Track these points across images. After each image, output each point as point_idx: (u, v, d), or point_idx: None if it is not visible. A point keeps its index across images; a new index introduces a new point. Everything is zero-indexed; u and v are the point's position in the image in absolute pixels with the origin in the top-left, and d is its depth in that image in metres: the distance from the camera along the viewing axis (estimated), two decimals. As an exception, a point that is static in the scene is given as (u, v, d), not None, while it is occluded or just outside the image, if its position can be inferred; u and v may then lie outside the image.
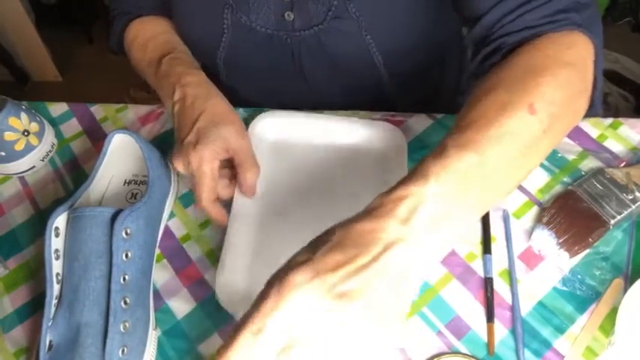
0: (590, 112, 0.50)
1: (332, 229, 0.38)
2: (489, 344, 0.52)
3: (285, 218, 0.60)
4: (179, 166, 0.57)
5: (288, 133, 0.67)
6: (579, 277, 0.56)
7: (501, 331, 0.53)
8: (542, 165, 0.63)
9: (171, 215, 0.63)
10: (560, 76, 0.46)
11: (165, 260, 0.60)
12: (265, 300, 0.35)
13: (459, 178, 0.39)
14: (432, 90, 0.81)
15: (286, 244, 0.42)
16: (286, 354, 0.35)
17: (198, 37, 0.70)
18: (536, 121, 0.43)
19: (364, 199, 0.41)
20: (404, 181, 0.39)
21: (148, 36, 0.70)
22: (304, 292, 0.35)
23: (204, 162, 0.56)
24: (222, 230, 0.61)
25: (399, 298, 0.37)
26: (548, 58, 0.47)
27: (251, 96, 0.78)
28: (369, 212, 0.38)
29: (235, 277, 0.55)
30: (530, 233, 0.58)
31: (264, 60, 0.69)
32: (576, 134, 0.65)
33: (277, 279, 0.36)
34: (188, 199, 0.64)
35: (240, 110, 0.71)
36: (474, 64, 0.54)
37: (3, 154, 0.65)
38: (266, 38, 0.66)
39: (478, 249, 0.58)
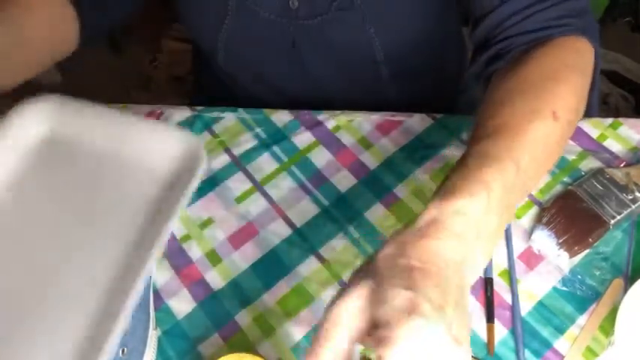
0: (588, 114, 0.52)
1: (403, 251, 0.35)
2: (489, 344, 0.52)
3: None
4: None
5: (62, 128, 0.52)
6: (579, 277, 0.56)
7: (501, 331, 0.53)
8: (542, 165, 0.63)
9: (171, 215, 0.63)
10: (574, 84, 0.48)
11: (165, 260, 0.60)
12: (393, 330, 0.32)
13: (504, 188, 0.40)
14: (432, 90, 0.81)
15: None
16: None
17: (200, 18, 0.69)
18: (559, 127, 0.46)
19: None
20: (458, 192, 0.38)
21: None
22: (430, 327, 0.32)
23: None
24: (223, 229, 0.61)
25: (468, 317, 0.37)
26: (564, 66, 0.49)
27: (249, 83, 0.78)
28: (429, 228, 0.37)
29: None
30: (530, 233, 0.58)
31: (264, 47, 0.69)
32: (576, 134, 0.65)
33: (399, 312, 0.33)
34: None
35: (241, 111, 0.71)
36: (477, 65, 0.55)
37: (3, 154, 0.64)
38: (268, 24, 0.66)
39: (478, 249, 0.58)
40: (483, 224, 0.38)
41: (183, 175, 0.48)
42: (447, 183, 0.40)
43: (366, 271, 0.36)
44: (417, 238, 0.36)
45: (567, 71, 0.48)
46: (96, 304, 0.43)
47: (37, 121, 0.51)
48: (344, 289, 0.36)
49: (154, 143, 0.50)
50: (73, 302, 0.44)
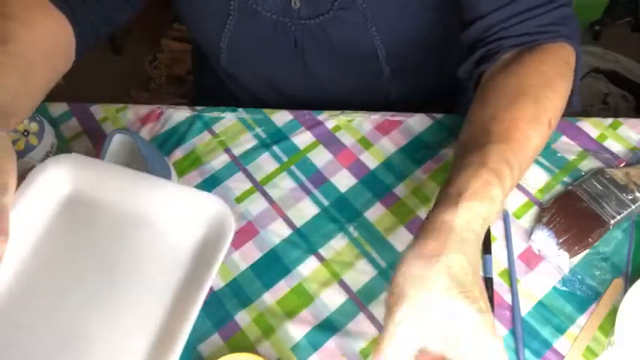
0: (568, 110, 0.56)
1: (444, 264, 0.40)
2: (489, 344, 0.52)
3: (36, 310, 0.47)
4: None
5: (87, 189, 0.52)
6: (579, 277, 0.56)
7: (501, 331, 0.53)
8: (542, 165, 0.63)
9: (171, 215, 0.63)
10: (564, 92, 0.53)
11: (165, 260, 0.60)
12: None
13: (504, 192, 0.45)
14: (432, 89, 0.81)
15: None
16: None
17: (203, 18, 0.69)
18: (549, 133, 0.50)
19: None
20: (466, 197, 0.43)
21: None
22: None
23: None
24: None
25: None
26: (556, 75, 0.53)
27: (250, 83, 0.78)
28: (448, 236, 0.41)
29: None
30: (530, 233, 0.58)
31: (266, 47, 0.69)
32: (576, 134, 0.65)
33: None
34: (188, 199, 0.64)
35: (241, 110, 0.71)
36: (467, 65, 0.59)
37: (3, 154, 0.65)
38: (271, 24, 0.66)
39: (478, 249, 0.58)
40: (486, 225, 0.43)
41: (212, 239, 0.49)
42: (453, 186, 0.44)
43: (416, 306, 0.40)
44: (444, 250, 0.40)
45: (558, 79, 0.52)
46: None
47: (60, 180, 0.52)
48: (391, 319, 0.40)
49: (180, 206, 0.51)
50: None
